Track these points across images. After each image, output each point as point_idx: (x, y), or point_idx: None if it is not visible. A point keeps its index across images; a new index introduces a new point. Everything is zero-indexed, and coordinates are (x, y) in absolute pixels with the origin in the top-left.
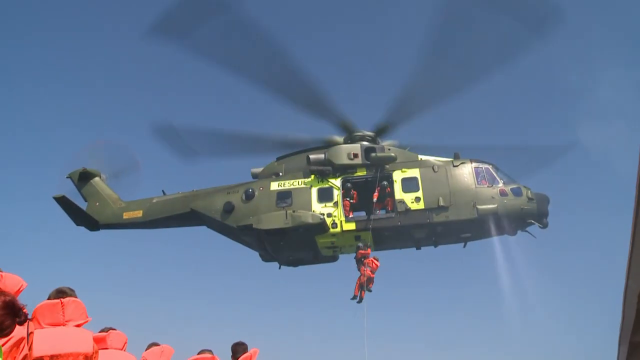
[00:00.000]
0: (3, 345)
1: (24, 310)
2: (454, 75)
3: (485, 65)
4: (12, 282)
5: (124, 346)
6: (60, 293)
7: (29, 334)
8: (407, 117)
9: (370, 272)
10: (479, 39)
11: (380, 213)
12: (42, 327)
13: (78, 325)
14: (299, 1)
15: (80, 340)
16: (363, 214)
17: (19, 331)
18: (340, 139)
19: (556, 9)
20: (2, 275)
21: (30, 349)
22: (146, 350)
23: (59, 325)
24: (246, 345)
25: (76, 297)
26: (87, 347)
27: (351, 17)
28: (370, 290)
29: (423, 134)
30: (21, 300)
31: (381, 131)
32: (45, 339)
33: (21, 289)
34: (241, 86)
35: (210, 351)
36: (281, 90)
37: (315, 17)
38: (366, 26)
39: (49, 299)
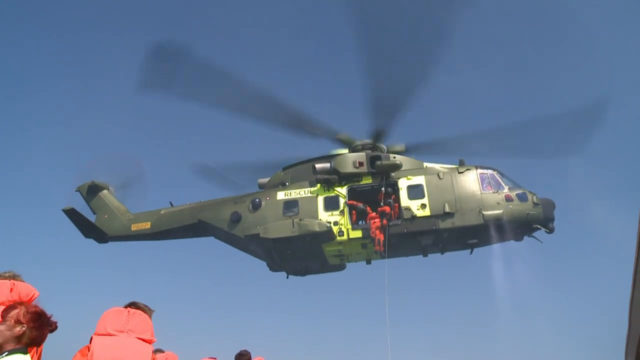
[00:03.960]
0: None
1: (51, 319)
2: (411, 63)
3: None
4: (24, 291)
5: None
6: (132, 304)
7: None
8: (392, 115)
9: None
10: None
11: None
12: (105, 333)
13: (140, 340)
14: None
15: (140, 352)
16: (369, 221)
17: None
18: (344, 150)
19: None
20: (14, 284)
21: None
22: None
23: (121, 332)
24: (249, 355)
25: (150, 315)
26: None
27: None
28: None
29: (422, 131)
30: None
31: (378, 136)
32: (106, 347)
33: (33, 297)
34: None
35: (215, 359)
36: (270, 119)
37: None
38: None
39: None
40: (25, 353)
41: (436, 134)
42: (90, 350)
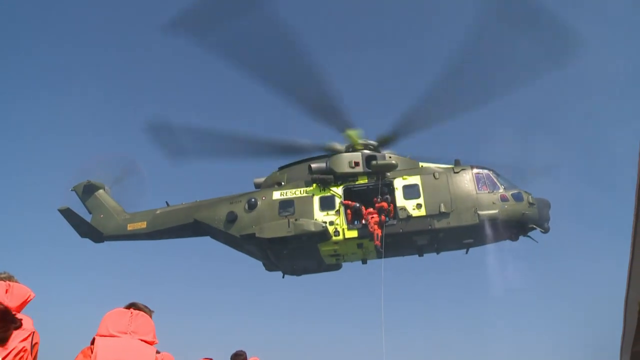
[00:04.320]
0: (5, 357)
1: (17, 316)
2: (465, 94)
3: (500, 85)
4: (20, 292)
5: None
6: (132, 305)
7: (33, 345)
8: (412, 130)
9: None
10: (496, 59)
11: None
12: (107, 334)
13: (143, 341)
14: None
15: (144, 354)
16: (365, 222)
17: (22, 342)
18: (341, 147)
19: (576, 37)
20: (10, 285)
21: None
22: None
23: (124, 334)
24: (245, 355)
25: (150, 315)
26: None
27: (374, 32)
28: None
29: (426, 147)
30: (28, 310)
31: (384, 141)
32: (109, 348)
33: (28, 299)
34: (250, 85)
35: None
36: (292, 90)
37: (334, 25)
38: (388, 42)
39: None
40: None
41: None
42: (94, 351)
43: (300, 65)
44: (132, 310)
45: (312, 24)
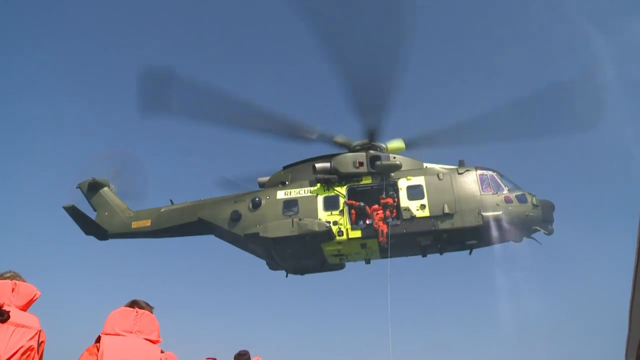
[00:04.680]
0: (12, 356)
1: (4, 309)
2: (383, 57)
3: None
4: (26, 291)
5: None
6: (134, 303)
7: (40, 344)
8: (378, 112)
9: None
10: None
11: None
12: (113, 333)
13: (147, 340)
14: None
15: (149, 353)
16: (369, 222)
17: (28, 341)
18: (348, 141)
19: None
20: (16, 284)
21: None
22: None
23: (130, 333)
24: (248, 355)
25: (151, 312)
26: None
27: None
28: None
29: (415, 123)
30: (34, 309)
31: (372, 135)
32: (116, 347)
33: (35, 298)
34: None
35: (214, 359)
36: (266, 130)
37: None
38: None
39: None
40: None
41: (432, 126)
42: (100, 350)
43: (251, 106)
44: (137, 309)
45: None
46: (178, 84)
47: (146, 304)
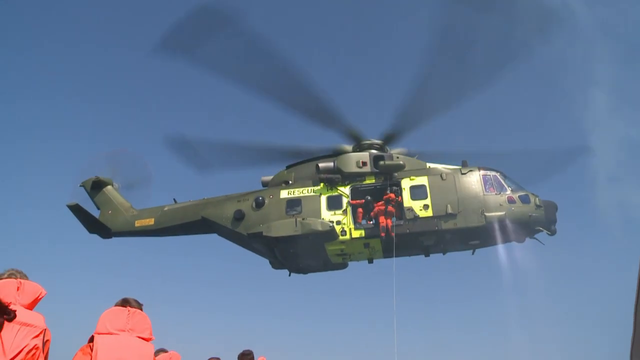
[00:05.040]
0: (16, 355)
1: (10, 307)
2: (458, 82)
3: (489, 69)
4: (31, 289)
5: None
6: (125, 302)
7: (45, 343)
8: (414, 124)
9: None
10: (482, 43)
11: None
12: (106, 332)
13: (140, 338)
14: (303, 13)
15: (143, 351)
16: (372, 221)
17: (34, 340)
18: (349, 147)
19: (556, 12)
20: (21, 283)
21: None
22: (154, 356)
23: (122, 332)
24: (252, 355)
25: (142, 310)
26: (148, 359)
27: (355, 26)
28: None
29: (431, 140)
30: (39, 308)
31: (389, 139)
32: (109, 346)
33: (40, 296)
34: (250, 98)
35: (218, 359)
36: (288, 101)
37: (319, 28)
38: (371, 35)
39: (115, 305)
40: None
41: (448, 148)
42: (94, 349)
43: (289, 74)
44: (128, 308)
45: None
46: (226, 28)
47: (136, 301)
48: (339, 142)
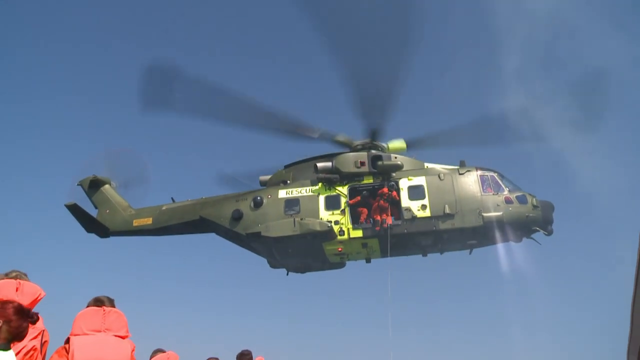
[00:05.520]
0: (17, 354)
1: (32, 312)
2: (387, 59)
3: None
4: (30, 290)
5: (131, 353)
6: (98, 302)
7: (43, 343)
8: (381, 112)
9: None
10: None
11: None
12: (82, 333)
13: (117, 336)
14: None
15: (119, 349)
16: (370, 221)
17: (32, 341)
18: (349, 140)
19: None
20: (20, 284)
21: (43, 357)
22: (151, 357)
23: (98, 332)
24: (251, 355)
25: (115, 306)
26: (126, 357)
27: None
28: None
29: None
30: (38, 309)
31: (374, 134)
32: (86, 346)
33: (39, 298)
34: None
35: (217, 359)
36: (266, 126)
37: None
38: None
39: (87, 306)
40: (6, 349)
41: (434, 127)
42: (70, 350)
43: (251, 103)
44: (104, 308)
45: None
46: (180, 80)
47: (109, 299)
48: (344, 132)
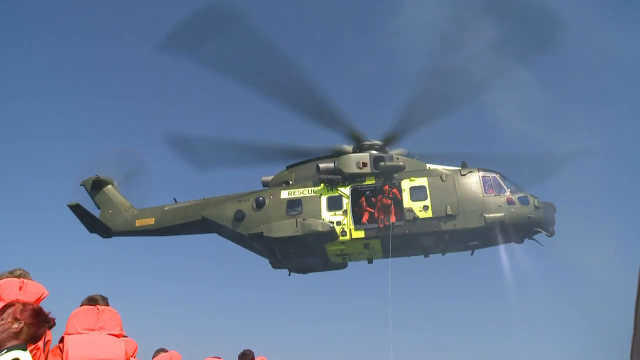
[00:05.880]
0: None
1: (50, 316)
2: (459, 86)
3: (490, 75)
4: (33, 289)
5: (134, 353)
6: (92, 300)
7: (46, 343)
8: (415, 126)
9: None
10: (484, 49)
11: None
12: (75, 332)
13: (111, 335)
14: (308, 14)
15: (113, 348)
16: (372, 222)
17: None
18: (349, 148)
19: (558, 20)
20: (24, 282)
21: (46, 356)
22: (154, 356)
23: (92, 331)
24: (253, 355)
25: (108, 305)
26: (120, 355)
27: (360, 28)
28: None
29: (430, 142)
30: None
31: (389, 140)
32: (80, 345)
33: (42, 297)
34: (252, 97)
35: (219, 359)
36: (290, 100)
37: (323, 28)
38: (376, 37)
39: (81, 305)
40: (25, 349)
41: (446, 149)
42: (64, 349)
43: (291, 74)
44: (97, 307)
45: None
46: (226, 29)
47: (102, 298)
48: (339, 142)
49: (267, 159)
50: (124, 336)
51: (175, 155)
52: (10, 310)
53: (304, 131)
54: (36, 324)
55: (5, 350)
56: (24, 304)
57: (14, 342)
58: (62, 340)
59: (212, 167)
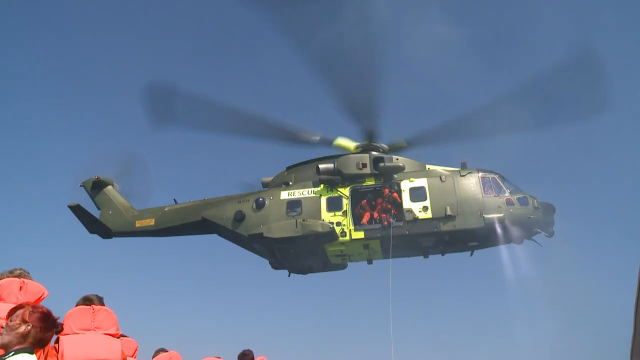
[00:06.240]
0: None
1: (58, 320)
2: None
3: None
4: (34, 289)
5: (134, 353)
6: (87, 300)
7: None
8: (370, 113)
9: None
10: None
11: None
12: (71, 332)
13: (107, 335)
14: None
15: (109, 347)
16: (371, 222)
17: None
18: (346, 142)
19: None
20: (24, 282)
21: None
22: (154, 356)
23: (88, 331)
24: (252, 355)
25: (104, 304)
26: (117, 355)
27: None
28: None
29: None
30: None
31: (371, 136)
32: (76, 345)
33: (42, 297)
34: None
35: (219, 358)
36: (264, 135)
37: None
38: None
39: (77, 305)
40: (32, 353)
41: (431, 124)
42: (59, 350)
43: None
44: (93, 306)
45: None
46: (181, 97)
47: (98, 297)
48: (343, 134)
49: (252, 134)
50: (122, 336)
51: (145, 103)
52: (19, 311)
53: (309, 116)
54: (44, 327)
55: (12, 352)
56: (34, 307)
57: (21, 345)
58: (57, 340)
59: (176, 125)
